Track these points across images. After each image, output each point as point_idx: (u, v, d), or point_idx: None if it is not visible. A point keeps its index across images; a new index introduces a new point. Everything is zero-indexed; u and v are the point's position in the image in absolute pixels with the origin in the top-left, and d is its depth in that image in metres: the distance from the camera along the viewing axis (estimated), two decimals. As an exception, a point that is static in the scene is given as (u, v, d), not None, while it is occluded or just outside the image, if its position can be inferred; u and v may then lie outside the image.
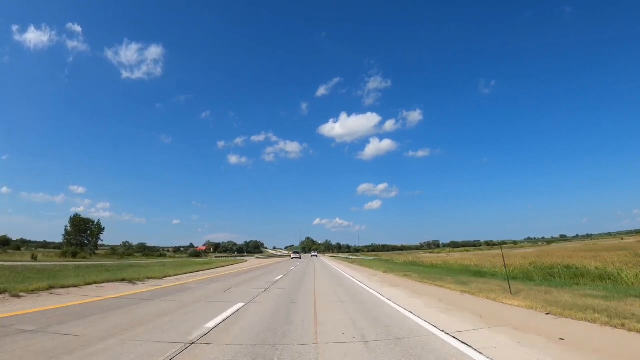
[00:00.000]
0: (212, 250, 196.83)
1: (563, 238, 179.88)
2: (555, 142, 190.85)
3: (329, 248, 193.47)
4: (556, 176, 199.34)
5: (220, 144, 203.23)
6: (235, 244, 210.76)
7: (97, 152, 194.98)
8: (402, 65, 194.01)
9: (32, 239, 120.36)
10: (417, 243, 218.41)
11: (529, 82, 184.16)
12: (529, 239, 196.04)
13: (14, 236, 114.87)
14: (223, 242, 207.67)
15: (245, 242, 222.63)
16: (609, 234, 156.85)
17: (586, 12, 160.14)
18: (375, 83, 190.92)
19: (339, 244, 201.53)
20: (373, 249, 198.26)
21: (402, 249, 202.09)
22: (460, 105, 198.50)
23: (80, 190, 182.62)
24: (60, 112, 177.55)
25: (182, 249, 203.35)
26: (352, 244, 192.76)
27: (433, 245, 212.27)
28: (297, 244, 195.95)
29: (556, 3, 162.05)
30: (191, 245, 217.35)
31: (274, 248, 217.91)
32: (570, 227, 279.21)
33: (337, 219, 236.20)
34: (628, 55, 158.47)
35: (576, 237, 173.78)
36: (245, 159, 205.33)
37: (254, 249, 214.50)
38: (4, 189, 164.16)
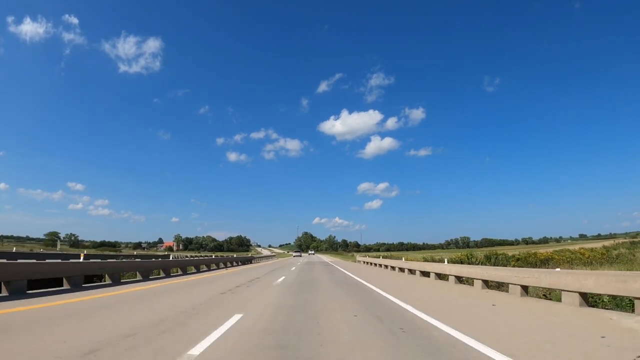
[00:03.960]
0: (181, 247, 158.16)
1: (583, 238, 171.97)
2: (557, 142, 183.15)
3: (332, 246, 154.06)
4: (557, 176, 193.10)
5: (219, 140, 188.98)
6: (214, 240, 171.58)
7: (94, 149, 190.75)
8: (405, 61, 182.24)
9: (32, 235, 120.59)
10: (443, 241, 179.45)
11: (533, 81, 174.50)
12: (544, 239, 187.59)
13: (16, 233, 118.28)
14: (197, 237, 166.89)
15: (229, 237, 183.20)
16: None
17: (595, 9, 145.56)
18: (377, 79, 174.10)
19: (345, 241, 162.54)
20: (387, 247, 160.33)
21: (424, 247, 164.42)
22: (464, 103, 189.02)
23: (79, 187, 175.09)
24: (56, 107, 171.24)
25: (144, 245, 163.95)
26: (352, 243, 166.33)
27: (461, 244, 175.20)
28: (298, 243, 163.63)
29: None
30: (160, 241, 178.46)
31: (269, 246, 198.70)
32: (570, 228, 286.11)
33: (337, 218, 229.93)
34: (633, 55, 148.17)
35: (598, 236, 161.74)
36: (245, 156, 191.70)
37: (239, 246, 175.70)
38: (2, 185, 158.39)
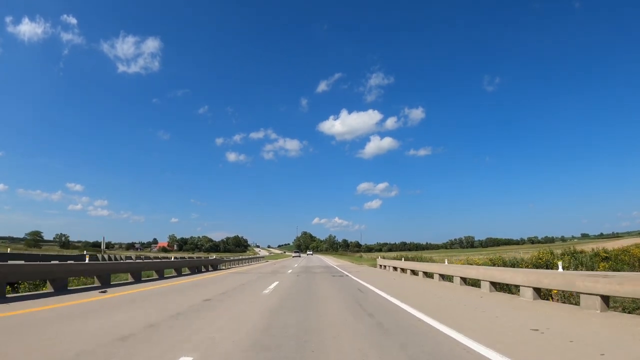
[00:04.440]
0: (175, 247, 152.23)
1: (585, 237, 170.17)
2: (557, 142, 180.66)
3: (332, 246, 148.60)
4: (557, 175, 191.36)
5: (219, 140, 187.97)
6: (210, 240, 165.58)
7: (94, 149, 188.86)
8: (405, 61, 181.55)
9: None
10: (445, 241, 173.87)
11: (534, 80, 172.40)
12: (549, 238, 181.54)
13: (15, 234, 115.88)
14: (192, 237, 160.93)
15: (226, 237, 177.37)
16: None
17: (595, 8, 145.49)
18: (377, 79, 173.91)
19: (345, 241, 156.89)
20: (390, 247, 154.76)
21: (427, 247, 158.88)
22: (464, 102, 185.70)
23: (78, 187, 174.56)
24: (55, 107, 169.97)
25: (137, 246, 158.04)
26: (353, 243, 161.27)
27: (465, 243, 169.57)
28: (296, 243, 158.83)
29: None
30: (154, 241, 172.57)
31: (268, 247, 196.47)
32: (570, 227, 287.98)
33: (337, 218, 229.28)
34: (633, 54, 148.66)
35: (600, 235, 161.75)
36: (244, 156, 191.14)
37: (236, 246, 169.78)
38: (1, 186, 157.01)
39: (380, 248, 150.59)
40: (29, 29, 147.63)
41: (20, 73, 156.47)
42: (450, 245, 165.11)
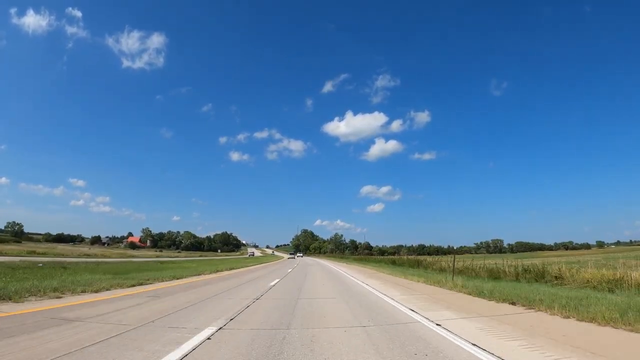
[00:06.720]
0: (149, 243, 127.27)
1: (600, 244, 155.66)
2: (563, 148, 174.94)
3: (338, 247, 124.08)
4: (560, 182, 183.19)
5: (222, 139, 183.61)
6: (194, 236, 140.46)
7: (96, 145, 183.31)
8: (411, 63, 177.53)
9: (33, 231, 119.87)
10: (472, 244, 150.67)
11: (541, 85, 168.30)
12: (585, 244, 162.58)
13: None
14: (170, 232, 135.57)
15: (214, 234, 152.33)
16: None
17: (605, 13, 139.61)
18: (383, 81, 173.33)
19: (354, 242, 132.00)
20: (407, 251, 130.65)
21: (450, 251, 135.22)
22: (470, 107, 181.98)
23: (80, 183, 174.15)
24: (58, 101, 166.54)
25: (104, 240, 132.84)
26: (363, 244, 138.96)
27: (493, 247, 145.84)
28: (295, 242, 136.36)
29: (574, 1, 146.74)
30: (129, 234, 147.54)
31: (267, 247, 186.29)
32: (572, 235, 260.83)
33: (339, 221, 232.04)
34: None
35: (617, 243, 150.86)
36: (248, 156, 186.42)
37: (224, 244, 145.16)
38: (3, 180, 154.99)
39: (394, 251, 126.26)
40: (33, 21, 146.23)
41: (24, 66, 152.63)
42: (476, 250, 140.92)
